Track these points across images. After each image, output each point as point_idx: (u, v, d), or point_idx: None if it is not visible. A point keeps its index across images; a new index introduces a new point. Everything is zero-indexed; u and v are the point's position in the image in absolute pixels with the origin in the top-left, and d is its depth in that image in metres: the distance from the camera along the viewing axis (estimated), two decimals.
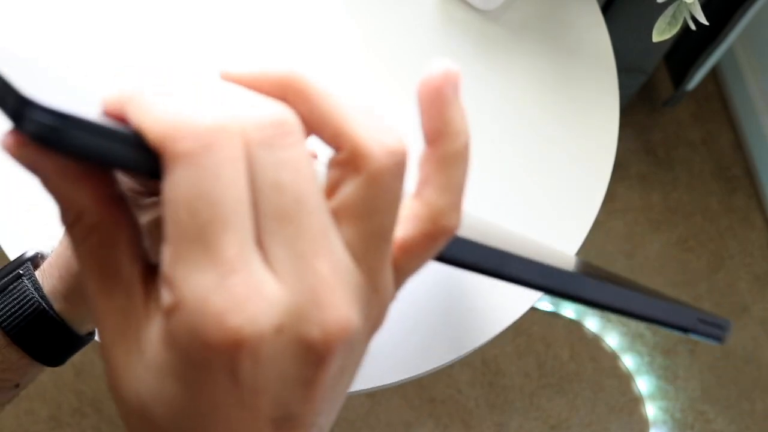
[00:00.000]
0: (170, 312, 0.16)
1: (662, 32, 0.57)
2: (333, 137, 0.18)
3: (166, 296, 0.16)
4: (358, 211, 0.18)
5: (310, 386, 0.17)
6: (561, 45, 0.67)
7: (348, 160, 0.18)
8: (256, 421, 0.17)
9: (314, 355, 0.17)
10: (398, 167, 0.18)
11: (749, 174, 1.49)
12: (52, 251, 0.37)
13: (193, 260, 0.16)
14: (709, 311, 0.44)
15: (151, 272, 0.18)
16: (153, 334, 0.17)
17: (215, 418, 0.17)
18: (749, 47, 1.46)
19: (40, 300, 0.34)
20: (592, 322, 1.35)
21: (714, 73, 1.55)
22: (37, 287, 0.34)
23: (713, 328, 0.40)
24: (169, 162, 0.16)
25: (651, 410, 1.30)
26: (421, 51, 0.65)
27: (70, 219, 0.18)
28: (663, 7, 0.57)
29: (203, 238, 0.16)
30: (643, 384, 1.31)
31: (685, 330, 0.41)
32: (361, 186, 0.18)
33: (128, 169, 0.17)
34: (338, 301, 0.17)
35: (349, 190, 0.18)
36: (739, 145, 1.51)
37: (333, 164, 0.18)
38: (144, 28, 0.62)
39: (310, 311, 0.16)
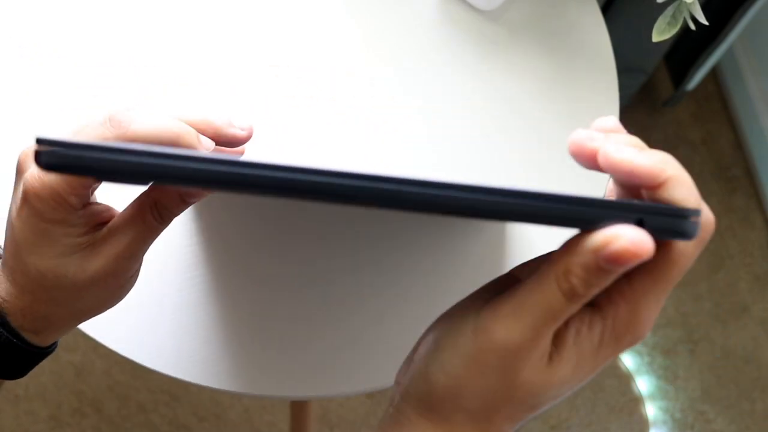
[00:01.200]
0: (621, 326, 0.26)
1: (662, 32, 0.57)
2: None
3: (626, 316, 0.26)
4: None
5: None
6: (561, 45, 0.67)
7: None
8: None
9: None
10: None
11: (749, 174, 1.49)
12: None
13: (659, 299, 0.26)
14: None
15: None
16: (586, 341, 0.26)
17: (584, 379, 0.27)
18: (749, 47, 1.45)
19: (9, 336, 0.34)
20: None
21: (714, 73, 1.55)
22: (4, 322, 0.34)
23: None
24: (697, 239, 0.24)
25: (651, 410, 1.30)
26: (421, 51, 0.65)
27: (585, 298, 0.25)
28: (663, 7, 0.57)
29: (671, 287, 0.25)
30: (643, 384, 1.31)
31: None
32: (694, 246, 0.25)
33: (666, 237, 0.23)
34: None
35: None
36: (739, 145, 1.51)
37: None
38: (143, 28, 0.62)
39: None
